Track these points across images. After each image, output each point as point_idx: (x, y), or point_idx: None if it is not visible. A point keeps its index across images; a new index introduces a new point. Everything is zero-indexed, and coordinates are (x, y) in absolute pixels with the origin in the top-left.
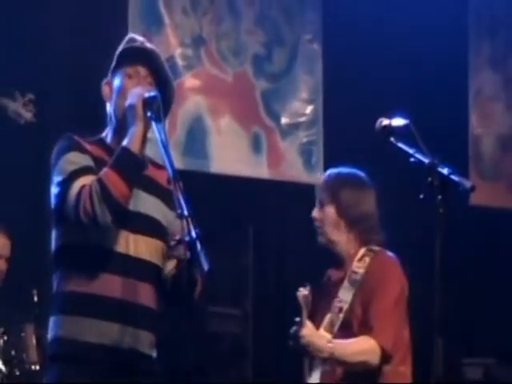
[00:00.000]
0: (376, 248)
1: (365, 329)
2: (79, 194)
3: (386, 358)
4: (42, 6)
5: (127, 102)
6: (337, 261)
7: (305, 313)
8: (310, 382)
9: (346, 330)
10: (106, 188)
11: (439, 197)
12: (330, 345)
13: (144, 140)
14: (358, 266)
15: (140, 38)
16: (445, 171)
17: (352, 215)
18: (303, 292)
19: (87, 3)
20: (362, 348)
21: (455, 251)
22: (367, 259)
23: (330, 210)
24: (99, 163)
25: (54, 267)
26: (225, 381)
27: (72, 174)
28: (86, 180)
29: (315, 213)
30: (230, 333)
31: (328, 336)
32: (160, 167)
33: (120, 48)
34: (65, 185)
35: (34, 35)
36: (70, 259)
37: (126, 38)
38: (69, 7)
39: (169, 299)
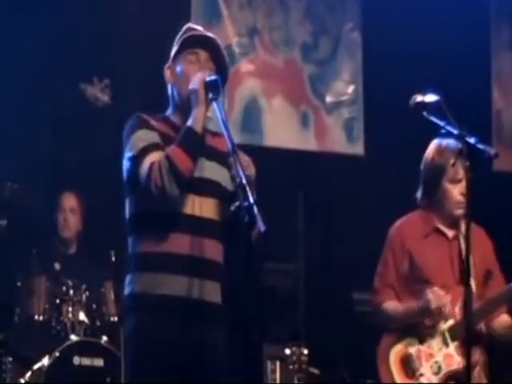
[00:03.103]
0: None
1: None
2: (150, 169)
3: None
4: (114, 5)
5: (190, 87)
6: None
7: None
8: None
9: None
10: (174, 164)
11: (467, 163)
12: None
13: (204, 119)
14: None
15: (198, 27)
16: (472, 140)
17: None
18: None
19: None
20: None
21: (480, 210)
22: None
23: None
24: (165, 138)
25: (128, 231)
26: (280, 329)
27: (142, 150)
28: (155, 156)
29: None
30: (283, 286)
31: None
32: (217, 135)
33: (180, 36)
34: (136, 160)
35: (109, 29)
36: (142, 224)
37: (185, 28)
38: (138, 3)
39: (232, 237)
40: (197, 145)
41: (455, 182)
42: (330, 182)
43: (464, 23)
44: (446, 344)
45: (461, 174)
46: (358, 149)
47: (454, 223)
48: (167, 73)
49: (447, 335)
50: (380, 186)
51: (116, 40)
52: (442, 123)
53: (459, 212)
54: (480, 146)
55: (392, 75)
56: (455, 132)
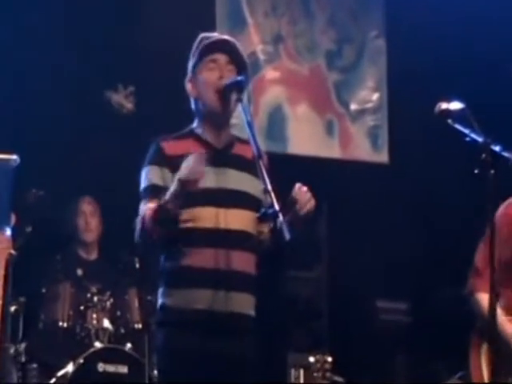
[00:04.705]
0: None
1: None
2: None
3: None
4: (139, 13)
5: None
6: None
7: None
8: None
9: None
10: (143, 228)
11: (492, 171)
12: None
13: (181, 196)
14: None
15: (213, 34)
16: (496, 148)
17: None
18: None
19: (179, 8)
20: None
21: None
22: None
23: None
24: (180, 160)
25: (159, 249)
26: (303, 338)
27: (143, 191)
28: (144, 207)
29: None
30: (307, 294)
31: None
32: (245, 142)
33: (196, 46)
34: (141, 195)
35: (136, 38)
36: (169, 240)
37: (199, 38)
38: (163, 11)
39: (265, 258)
40: (167, 220)
41: None
42: (354, 190)
43: (490, 29)
44: None
45: None
46: (383, 157)
47: None
48: (189, 86)
49: None
50: (404, 194)
51: (141, 48)
52: (466, 131)
53: None
54: (505, 154)
55: (416, 82)
56: (480, 140)
